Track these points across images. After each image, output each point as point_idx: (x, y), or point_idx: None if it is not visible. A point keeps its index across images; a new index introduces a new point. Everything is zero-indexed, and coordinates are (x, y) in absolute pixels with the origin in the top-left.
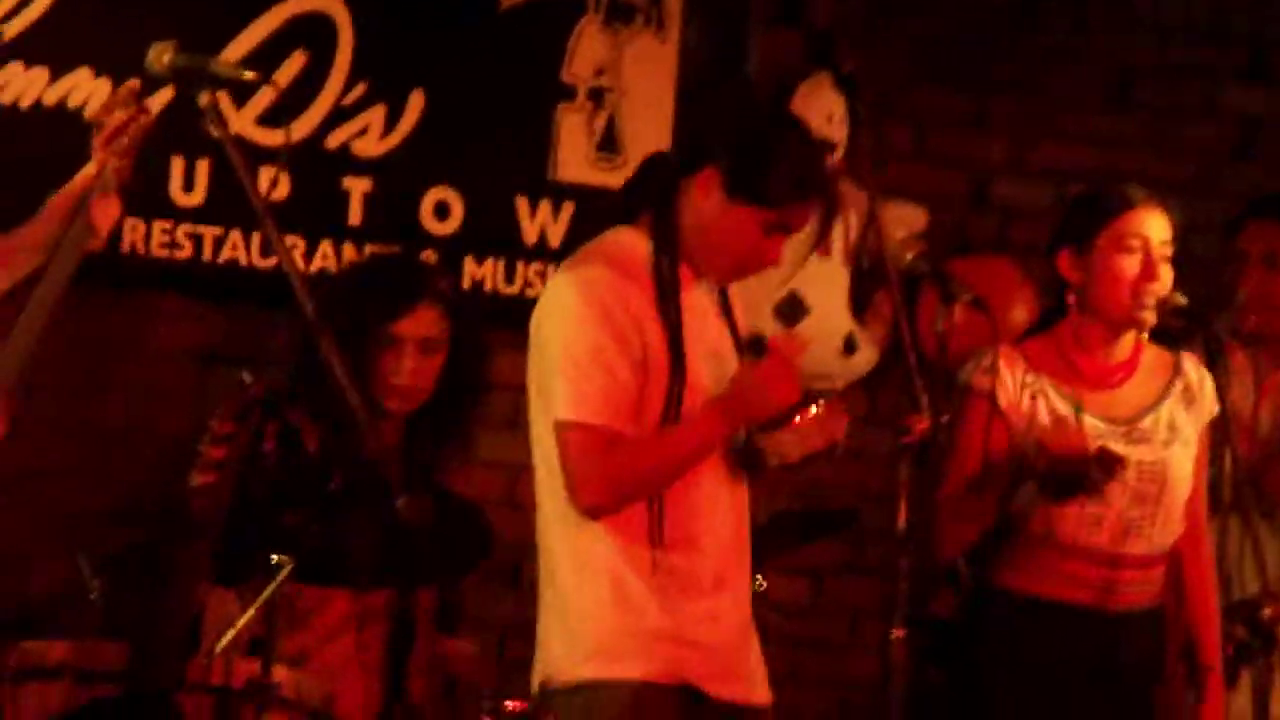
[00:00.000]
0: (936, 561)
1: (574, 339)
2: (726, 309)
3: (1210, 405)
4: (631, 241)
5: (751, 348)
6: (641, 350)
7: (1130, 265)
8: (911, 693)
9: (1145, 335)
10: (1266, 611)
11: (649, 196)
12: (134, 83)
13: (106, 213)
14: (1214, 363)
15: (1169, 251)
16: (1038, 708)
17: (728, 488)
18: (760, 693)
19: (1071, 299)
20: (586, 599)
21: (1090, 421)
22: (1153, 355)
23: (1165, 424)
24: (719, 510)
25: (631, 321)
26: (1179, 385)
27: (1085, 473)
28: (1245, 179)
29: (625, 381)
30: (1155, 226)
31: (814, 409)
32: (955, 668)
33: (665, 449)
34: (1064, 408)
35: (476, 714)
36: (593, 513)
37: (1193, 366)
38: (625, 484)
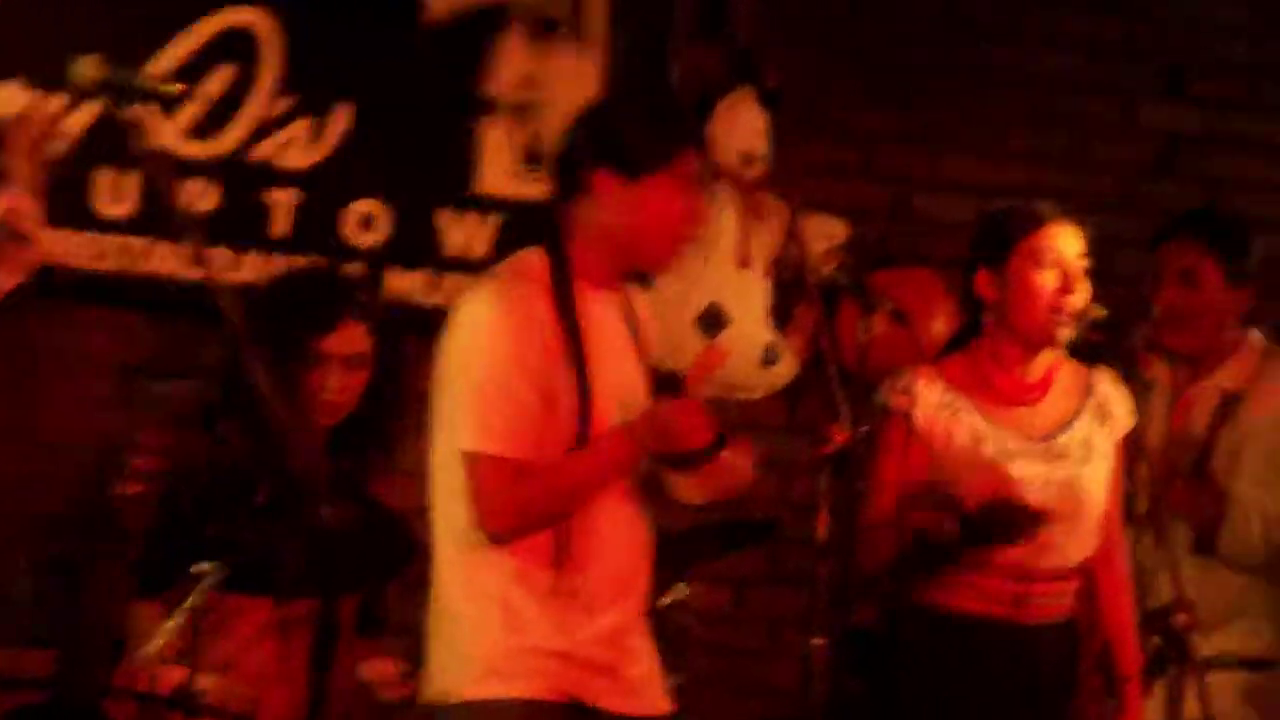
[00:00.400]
0: (858, 573)
1: (482, 367)
2: (632, 320)
3: (1124, 421)
4: (534, 261)
5: (667, 383)
6: (549, 374)
7: (1046, 281)
8: (831, 702)
9: (1062, 351)
10: (1179, 620)
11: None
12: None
13: (17, 264)
14: (1129, 375)
15: (1084, 265)
16: (953, 718)
17: (630, 506)
18: (661, 704)
19: (989, 317)
20: (478, 621)
21: (1012, 448)
22: (1068, 372)
23: (1080, 441)
24: (621, 529)
25: (540, 344)
26: (1093, 402)
27: (1012, 527)
28: (1164, 195)
29: (532, 409)
30: (1069, 241)
31: (722, 456)
32: (875, 679)
33: (573, 476)
34: (982, 427)
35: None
36: (499, 539)
37: (1107, 383)
38: (533, 512)
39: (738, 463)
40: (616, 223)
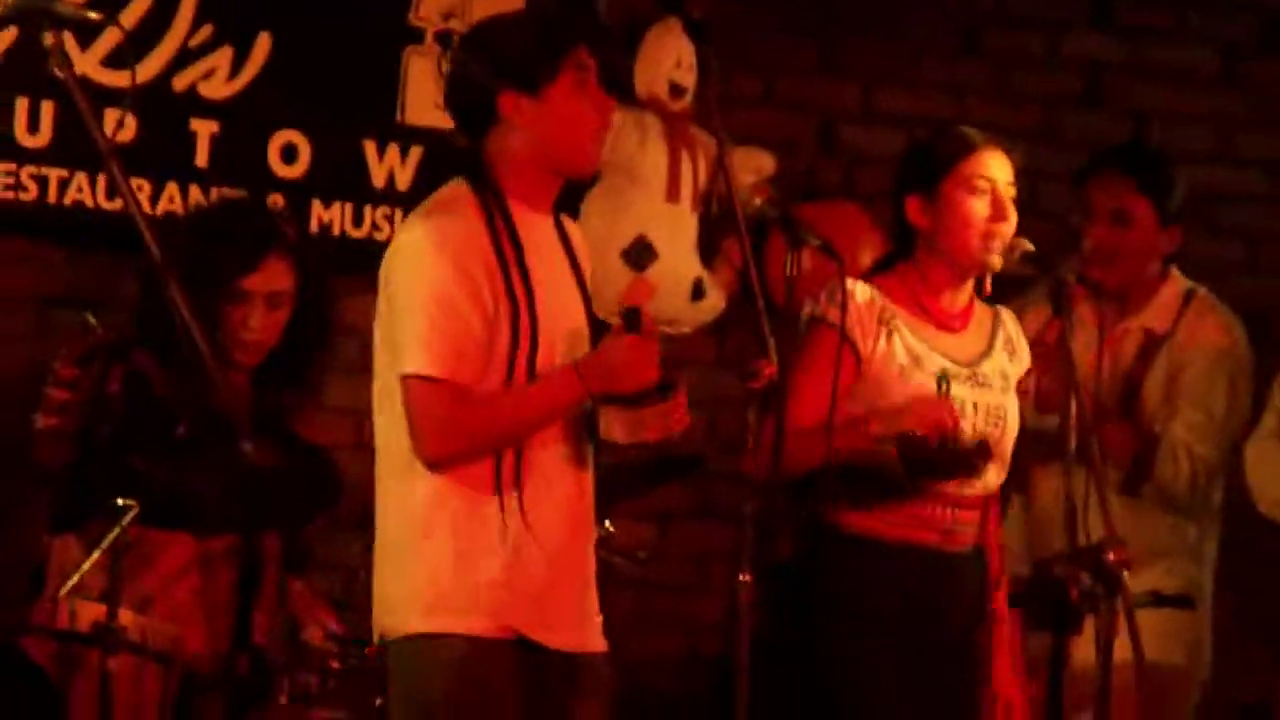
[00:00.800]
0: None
1: (424, 291)
2: (567, 244)
3: (1025, 357)
4: (463, 192)
5: (625, 319)
6: (493, 299)
7: (979, 207)
8: (759, 636)
9: (987, 283)
10: (1110, 556)
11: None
12: None
13: None
14: (1061, 310)
15: (1013, 192)
16: (879, 650)
17: (573, 446)
18: (598, 642)
19: (919, 243)
20: (424, 552)
21: (948, 371)
22: (978, 306)
23: (998, 371)
24: (564, 467)
25: (483, 270)
26: (1001, 335)
27: (960, 462)
28: (1090, 127)
29: (476, 334)
30: (999, 167)
31: (663, 401)
32: (793, 610)
33: (516, 407)
34: (919, 348)
35: (321, 657)
36: (437, 465)
37: (1009, 317)
38: (473, 438)
39: (674, 413)
40: (534, 139)
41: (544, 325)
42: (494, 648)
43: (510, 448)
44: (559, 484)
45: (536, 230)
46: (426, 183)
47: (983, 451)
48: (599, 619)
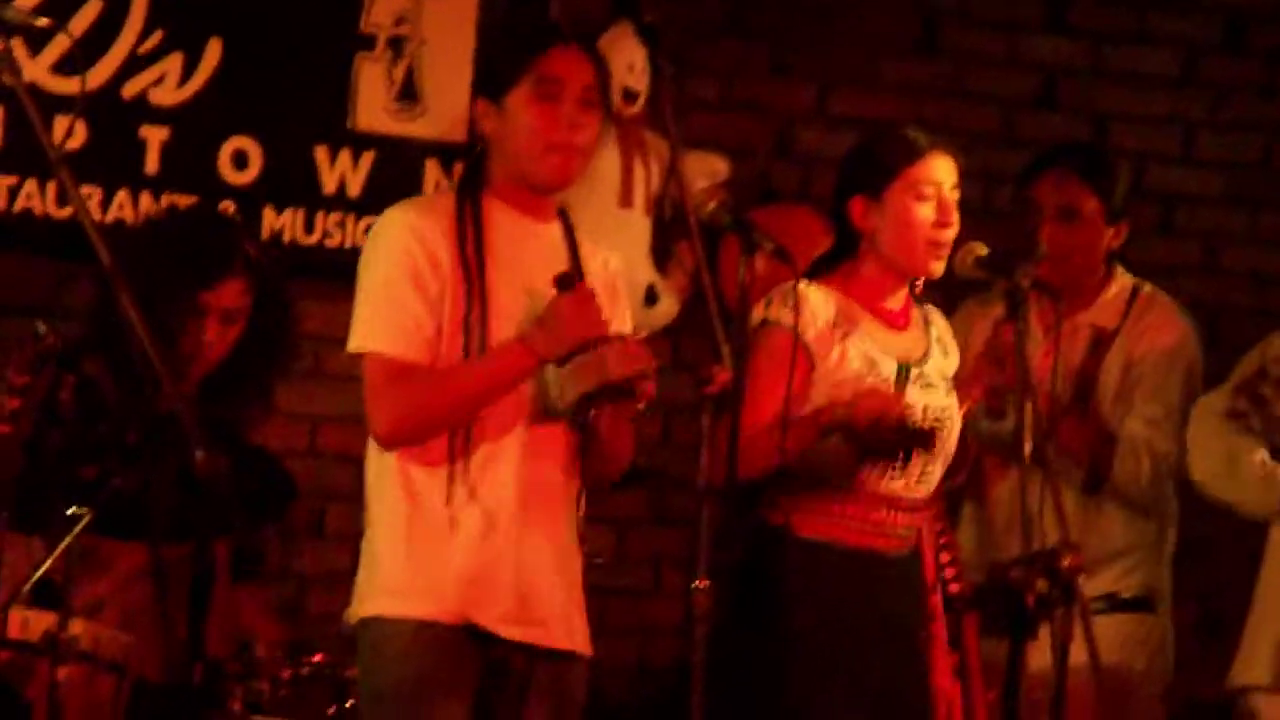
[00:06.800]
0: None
1: (369, 276)
2: (574, 250)
3: (955, 356)
4: (447, 192)
5: (559, 283)
6: (439, 286)
7: (925, 213)
8: (713, 642)
9: (919, 284)
10: (1065, 561)
11: None
12: None
13: None
14: (1016, 313)
15: (957, 195)
16: (826, 653)
17: (532, 430)
18: (567, 641)
19: (863, 245)
20: (382, 535)
21: (909, 391)
22: (912, 305)
23: (939, 372)
24: (523, 451)
25: (427, 257)
26: (934, 334)
27: (907, 443)
28: (1047, 129)
29: (418, 315)
30: (945, 171)
31: (604, 346)
32: (742, 613)
33: (462, 381)
34: (873, 351)
35: (271, 666)
36: (386, 442)
37: (936, 314)
38: (418, 415)
39: (621, 357)
40: (499, 147)
41: (497, 317)
42: (444, 633)
43: (463, 428)
44: (516, 467)
45: (525, 236)
46: (378, 189)
47: (923, 436)
48: (580, 619)
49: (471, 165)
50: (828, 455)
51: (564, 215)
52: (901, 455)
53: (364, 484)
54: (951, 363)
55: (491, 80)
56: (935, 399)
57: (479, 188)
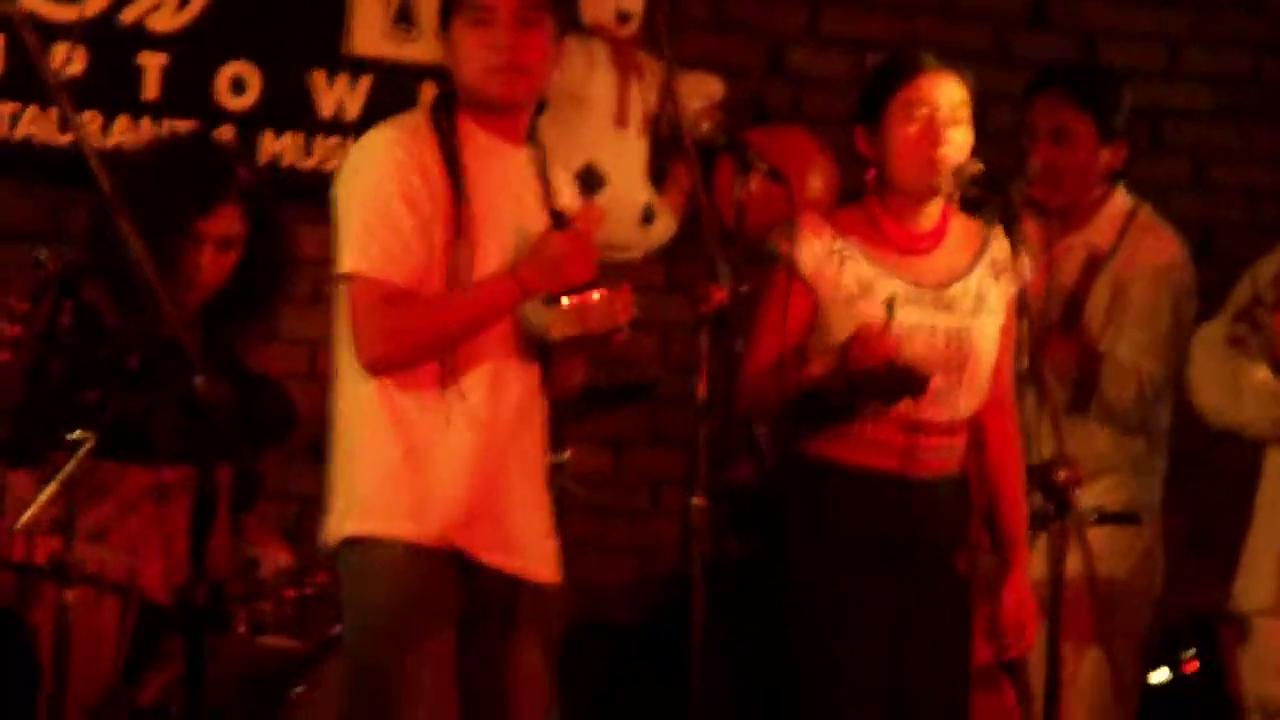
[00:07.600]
0: (735, 426)
1: (359, 195)
2: (545, 178)
3: (1017, 277)
4: (423, 113)
5: (553, 219)
6: (430, 208)
7: (912, 133)
8: (712, 561)
9: (955, 204)
10: (1061, 475)
11: None
12: None
13: None
14: (1010, 231)
15: (962, 116)
16: (838, 575)
17: (518, 361)
18: (544, 571)
19: (871, 174)
20: (369, 455)
21: (900, 294)
22: (961, 225)
23: (973, 293)
24: (509, 382)
25: (422, 179)
26: (987, 257)
27: (896, 388)
28: (1040, 47)
29: (409, 238)
30: (943, 91)
31: (595, 295)
32: (755, 536)
33: (451, 309)
34: (870, 274)
35: (275, 587)
36: (373, 367)
37: (1001, 239)
38: (406, 339)
39: (608, 307)
40: (457, 76)
41: (487, 245)
42: (431, 556)
43: (452, 352)
44: (502, 398)
45: (497, 158)
46: (375, 112)
47: (918, 381)
48: (551, 546)
49: (446, 94)
50: (828, 398)
51: (539, 145)
52: (889, 397)
53: (335, 402)
54: (1004, 286)
55: (441, 12)
56: (952, 320)
57: (453, 109)
